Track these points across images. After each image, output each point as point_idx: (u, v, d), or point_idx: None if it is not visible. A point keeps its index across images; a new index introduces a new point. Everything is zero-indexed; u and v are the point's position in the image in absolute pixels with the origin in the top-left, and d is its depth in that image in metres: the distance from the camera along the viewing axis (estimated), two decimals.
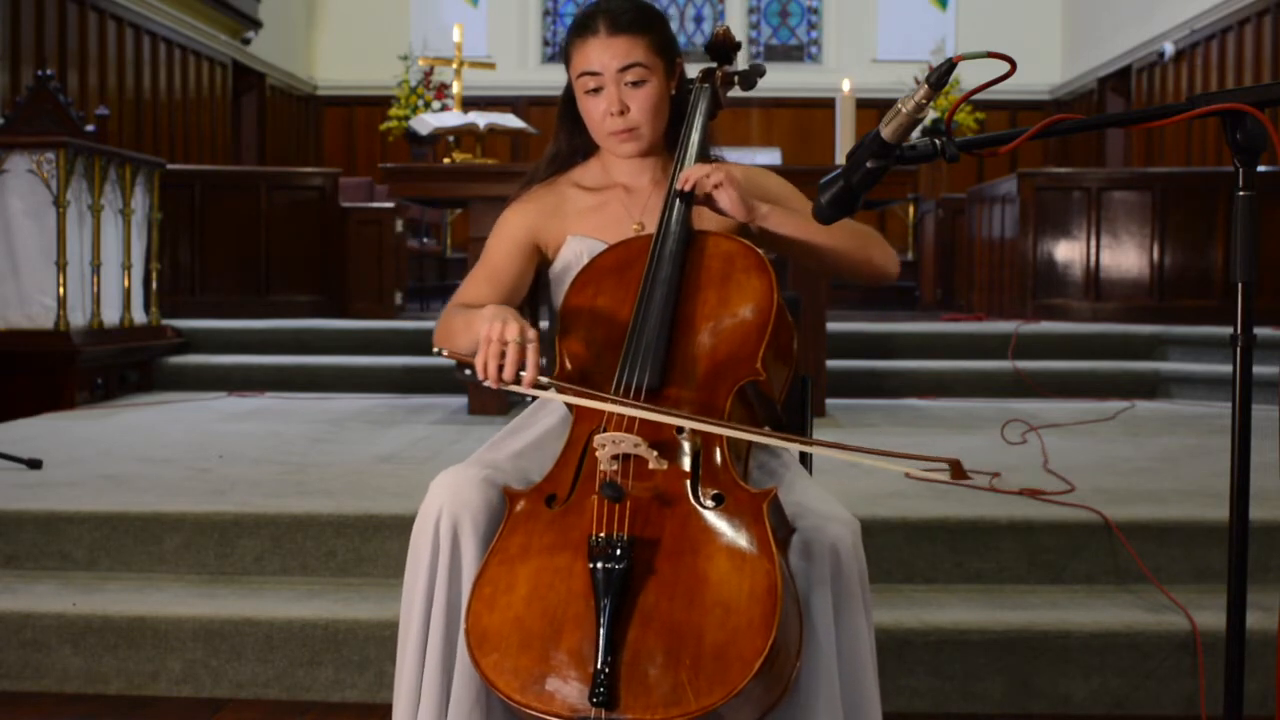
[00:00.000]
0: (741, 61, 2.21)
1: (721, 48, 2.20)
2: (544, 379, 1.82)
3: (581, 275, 2.02)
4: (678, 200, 1.99)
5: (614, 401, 1.83)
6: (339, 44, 13.05)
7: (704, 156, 2.12)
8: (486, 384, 1.80)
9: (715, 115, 2.18)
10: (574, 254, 2.13)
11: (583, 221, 2.16)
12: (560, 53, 2.13)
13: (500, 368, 1.79)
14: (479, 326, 1.83)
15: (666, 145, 2.17)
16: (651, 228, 2.04)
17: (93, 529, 3.18)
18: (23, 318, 5.61)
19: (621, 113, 2.07)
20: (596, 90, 2.07)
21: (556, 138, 2.23)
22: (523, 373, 1.79)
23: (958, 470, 1.73)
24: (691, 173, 1.99)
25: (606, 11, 2.07)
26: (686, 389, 1.87)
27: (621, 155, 2.14)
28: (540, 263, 2.20)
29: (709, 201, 2.00)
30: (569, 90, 2.16)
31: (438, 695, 1.86)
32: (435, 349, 1.91)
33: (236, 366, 6.26)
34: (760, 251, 1.96)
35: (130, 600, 2.97)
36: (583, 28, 2.08)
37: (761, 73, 2.21)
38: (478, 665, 1.67)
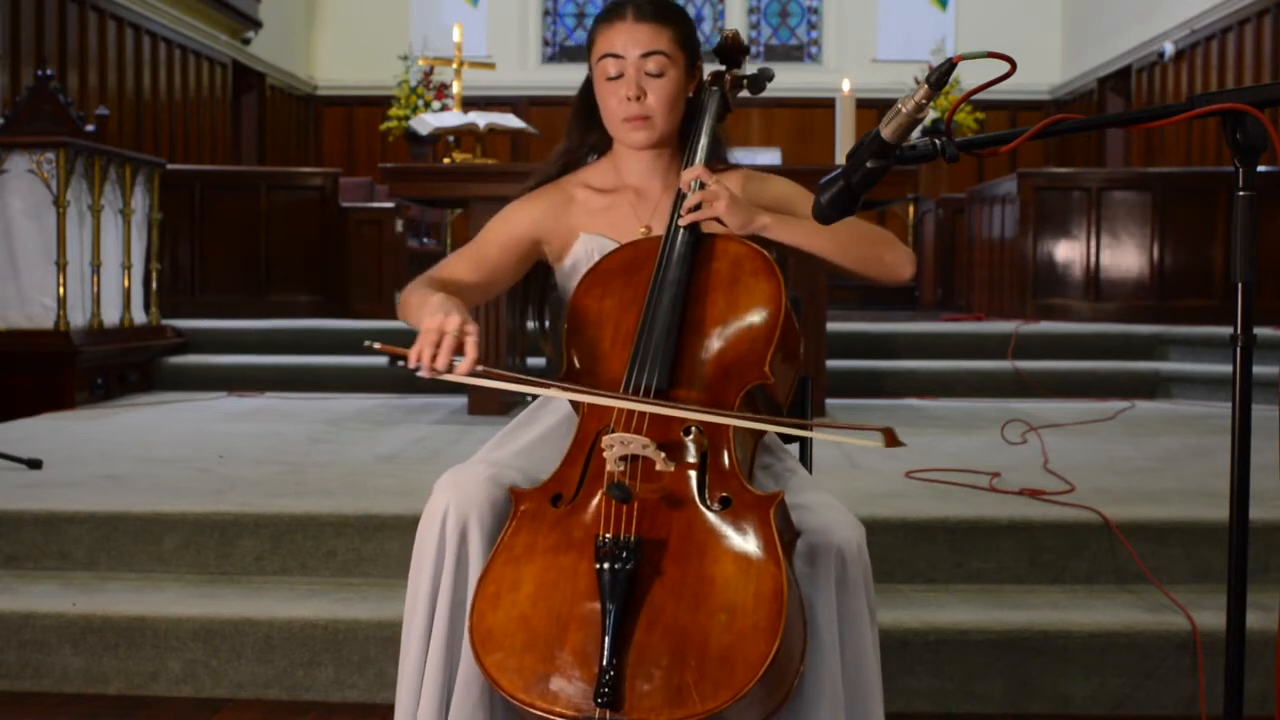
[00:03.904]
0: (749, 65, 2.22)
1: (730, 51, 2.21)
2: (480, 368, 1.83)
3: (589, 275, 2.02)
4: (693, 143, 2.06)
5: (551, 386, 1.86)
6: (339, 44, 13.05)
7: (713, 159, 2.13)
8: (419, 372, 1.83)
9: (724, 119, 2.19)
10: (585, 252, 2.14)
11: (592, 221, 2.16)
12: (586, 42, 2.14)
13: (435, 357, 1.81)
14: (423, 316, 1.86)
15: (679, 146, 2.17)
16: (659, 231, 2.05)
17: (93, 529, 3.18)
18: (23, 318, 5.61)
19: (638, 98, 2.07)
20: (617, 76, 2.08)
21: (570, 133, 2.23)
22: (458, 362, 1.82)
23: (891, 438, 1.74)
24: (690, 206, 1.99)
25: (634, 1, 2.09)
26: (694, 391, 1.87)
27: (631, 145, 2.13)
28: (544, 260, 2.21)
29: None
30: (587, 85, 2.17)
31: (439, 696, 1.86)
32: (366, 344, 1.93)
33: (236, 366, 6.26)
34: (768, 255, 1.96)
35: (130, 600, 2.97)
36: (610, 13, 2.10)
37: (770, 77, 2.22)
38: (481, 664, 1.67)
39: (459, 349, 1.81)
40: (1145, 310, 7.21)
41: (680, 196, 2.02)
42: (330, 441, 4.49)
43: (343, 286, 7.75)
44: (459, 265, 2.17)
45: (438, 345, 1.81)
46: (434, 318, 1.84)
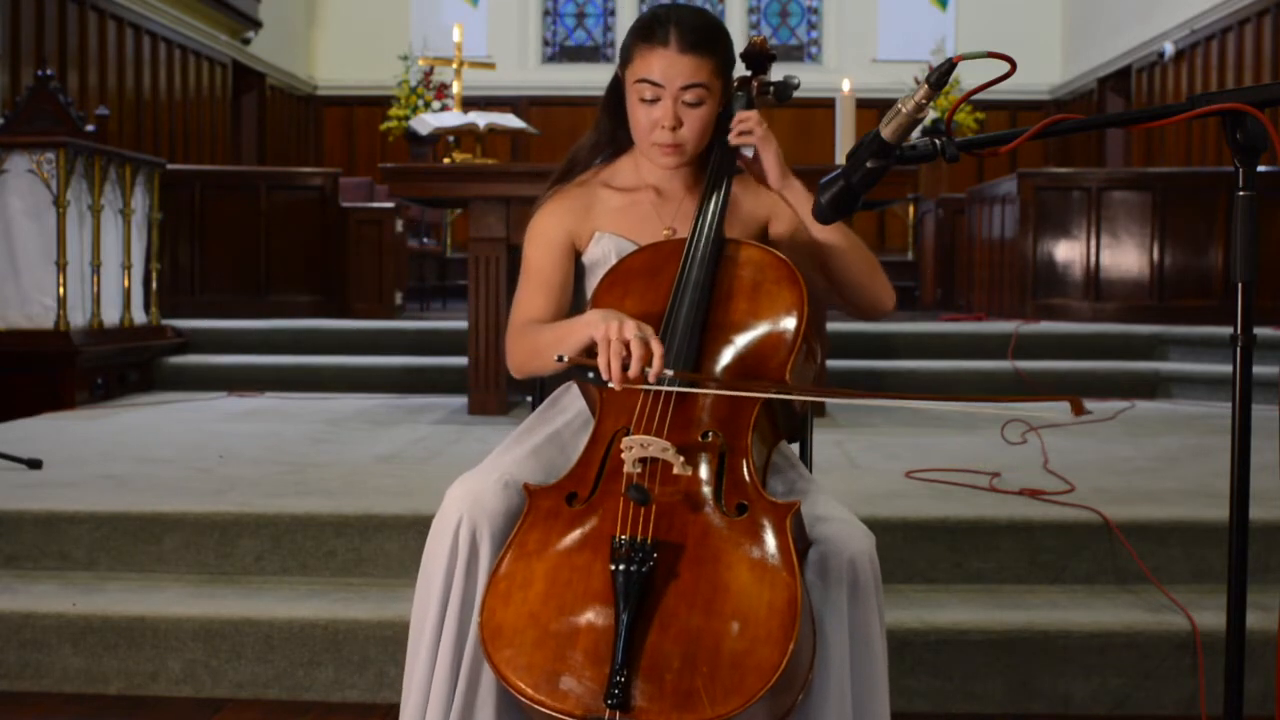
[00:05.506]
0: (775, 73, 2.21)
1: (757, 57, 2.21)
2: (668, 373, 1.80)
3: (610, 275, 2.02)
4: (720, 151, 2.09)
5: (758, 389, 1.82)
6: (339, 44, 13.05)
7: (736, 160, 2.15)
8: (610, 384, 1.79)
9: None
10: (602, 252, 2.12)
11: (611, 221, 2.15)
12: (621, 49, 2.09)
13: (624, 365, 1.78)
14: (586, 331, 1.83)
15: (704, 153, 2.15)
16: (683, 233, 2.05)
17: (93, 529, 3.18)
18: (23, 318, 5.62)
19: (673, 128, 2.04)
20: (653, 100, 2.03)
21: (598, 127, 2.19)
22: (647, 369, 1.78)
23: (1077, 406, 1.63)
24: (741, 130, 2.05)
25: (679, 24, 2.01)
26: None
27: (659, 166, 2.12)
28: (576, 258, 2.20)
29: (754, 162, 2.08)
30: (616, 84, 2.13)
31: (445, 702, 1.85)
32: (555, 356, 1.85)
33: (236, 366, 6.26)
34: (791, 263, 1.96)
35: (130, 600, 2.97)
36: (651, 33, 2.03)
37: (796, 86, 2.21)
38: (490, 659, 1.67)
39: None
40: (1145, 310, 7.22)
41: (708, 195, 2.03)
42: (330, 441, 4.49)
43: (343, 286, 7.76)
44: (534, 301, 2.10)
45: (624, 355, 1.78)
46: (605, 325, 1.80)
